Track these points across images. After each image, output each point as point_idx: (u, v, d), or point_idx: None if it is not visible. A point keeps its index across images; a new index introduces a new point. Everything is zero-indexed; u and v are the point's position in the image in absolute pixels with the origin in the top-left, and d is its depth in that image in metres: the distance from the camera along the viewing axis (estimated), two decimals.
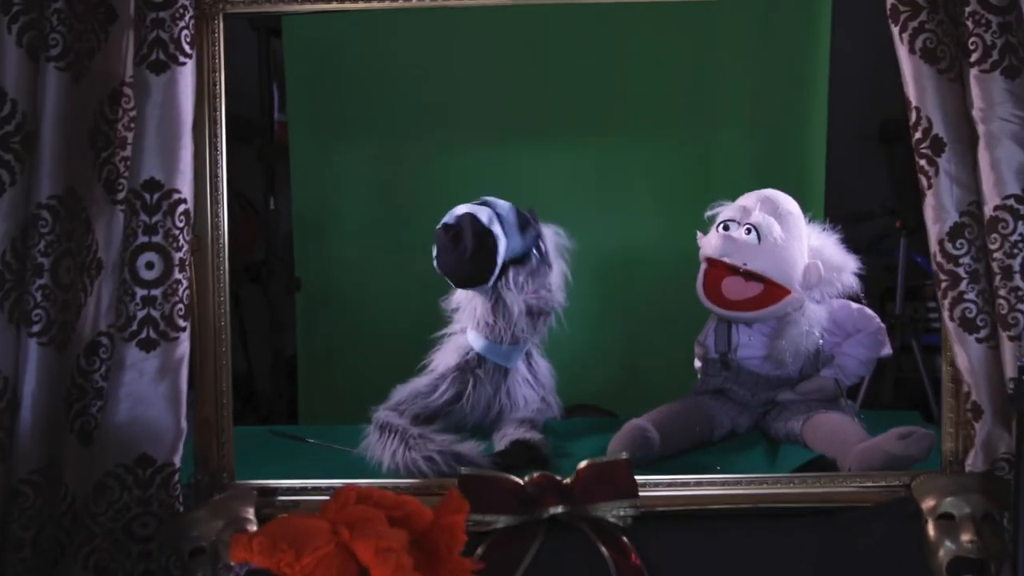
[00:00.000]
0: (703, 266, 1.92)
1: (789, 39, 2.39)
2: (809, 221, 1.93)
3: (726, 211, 1.90)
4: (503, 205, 1.90)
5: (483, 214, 1.87)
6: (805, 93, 2.40)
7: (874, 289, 2.98)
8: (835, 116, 2.43)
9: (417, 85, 2.48)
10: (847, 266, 1.90)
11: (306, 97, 2.49)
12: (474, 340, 1.92)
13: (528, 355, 1.98)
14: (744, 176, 2.35)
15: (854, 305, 1.90)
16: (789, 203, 1.90)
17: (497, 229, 1.87)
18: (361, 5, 1.60)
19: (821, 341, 1.86)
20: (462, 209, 1.87)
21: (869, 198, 2.81)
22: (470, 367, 1.92)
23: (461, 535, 1.39)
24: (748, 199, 1.90)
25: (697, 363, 1.99)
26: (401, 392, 1.89)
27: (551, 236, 1.95)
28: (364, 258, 2.54)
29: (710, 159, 2.50)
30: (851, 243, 2.01)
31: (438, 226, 1.89)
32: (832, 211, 2.38)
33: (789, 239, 1.85)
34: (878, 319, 1.90)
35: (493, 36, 2.35)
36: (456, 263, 1.87)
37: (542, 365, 2.00)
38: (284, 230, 2.75)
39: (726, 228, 1.88)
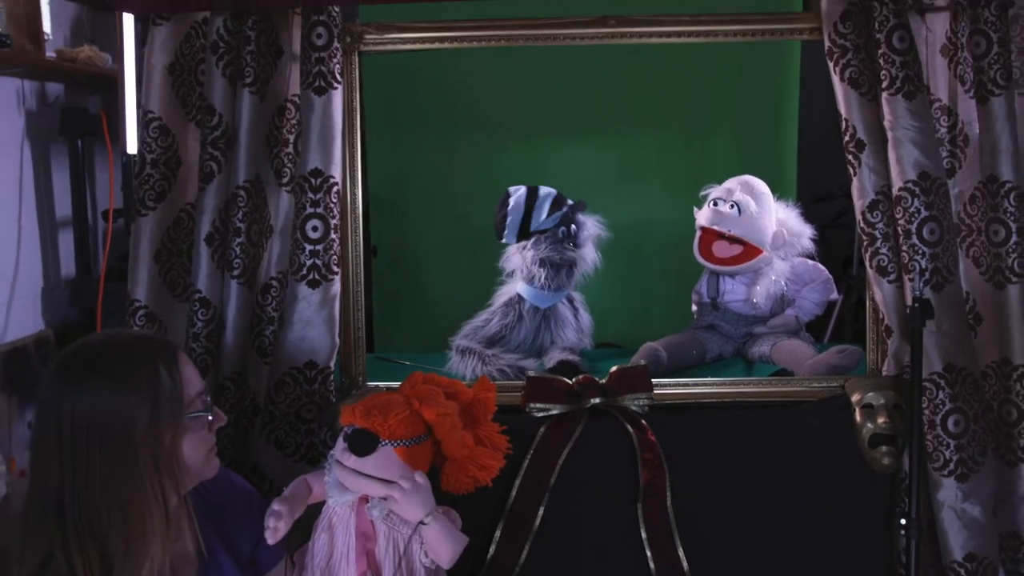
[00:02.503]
0: (698, 233, 2.53)
1: (770, 62, 3.00)
2: (777, 199, 2.55)
3: (715, 191, 2.52)
4: (546, 190, 2.48)
5: (512, 189, 2.49)
6: (782, 102, 3.01)
7: (836, 256, 3.60)
8: (804, 120, 3.03)
9: (471, 90, 3.08)
10: (805, 233, 2.52)
11: (381, 99, 3.10)
12: (519, 287, 2.54)
13: (575, 309, 2.58)
14: (733, 167, 2.95)
15: (809, 262, 2.53)
16: (762, 185, 2.51)
17: (515, 200, 2.47)
18: (456, 45, 2.21)
19: (785, 288, 2.50)
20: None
21: (831, 183, 3.40)
22: (512, 304, 2.53)
23: (492, 406, 1.83)
24: (731, 182, 2.51)
25: (693, 307, 2.62)
26: (467, 326, 2.52)
27: (592, 224, 2.53)
28: (426, 229, 3.16)
29: (707, 153, 3.09)
30: (817, 219, 2.60)
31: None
32: (802, 193, 3.01)
33: (762, 212, 2.47)
34: (827, 272, 2.53)
35: (535, 53, 2.95)
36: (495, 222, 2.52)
37: (585, 318, 2.59)
38: (363, 206, 3.35)
39: (715, 204, 2.50)
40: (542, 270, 2.47)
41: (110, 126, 2.82)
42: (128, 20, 2.45)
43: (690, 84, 3.01)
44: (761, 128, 3.11)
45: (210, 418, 1.58)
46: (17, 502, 2.67)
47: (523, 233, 2.47)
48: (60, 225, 3.00)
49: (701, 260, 2.51)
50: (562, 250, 2.47)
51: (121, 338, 1.59)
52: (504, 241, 2.51)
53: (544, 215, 2.47)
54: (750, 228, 2.45)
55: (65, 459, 1.46)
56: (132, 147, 2.51)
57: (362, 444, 1.73)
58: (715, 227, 2.47)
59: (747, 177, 2.52)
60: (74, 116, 2.92)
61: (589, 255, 2.50)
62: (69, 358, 1.52)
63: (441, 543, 1.72)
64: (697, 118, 3.02)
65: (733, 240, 2.47)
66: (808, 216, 2.60)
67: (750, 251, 2.47)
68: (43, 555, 1.46)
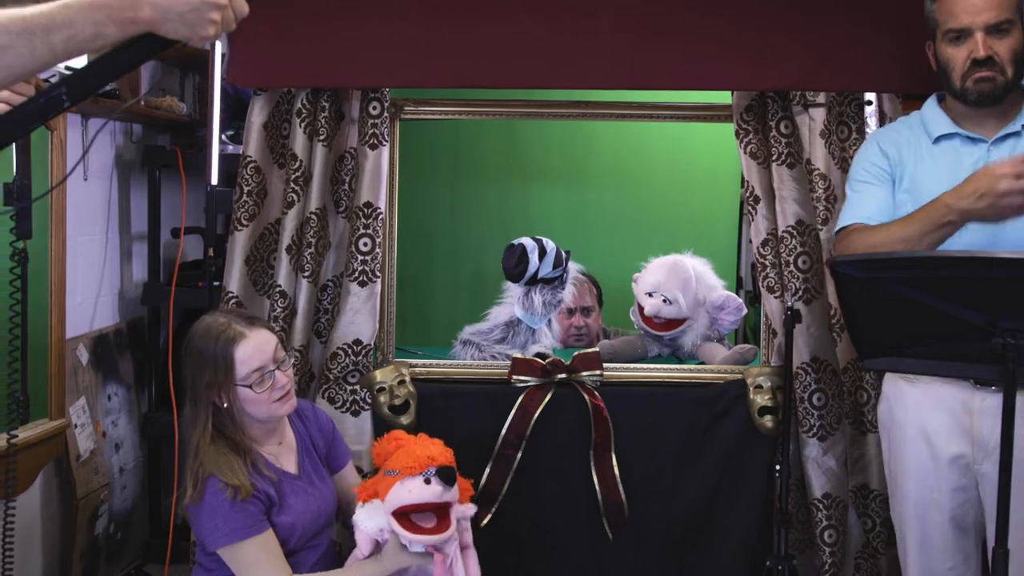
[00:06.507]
0: (636, 305, 3.61)
1: (721, 134, 4.19)
2: (691, 255, 3.63)
3: (649, 283, 3.53)
4: (551, 246, 3.58)
5: (529, 246, 3.64)
6: (729, 165, 4.22)
7: None
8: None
9: (478, 145, 4.28)
10: (717, 286, 3.60)
11: (406, 148, 4.30)
12: (518, 311, 3.69)
13: (549, 323, 3.74)
14: (689, 216, 4.16)
15: (725, 294, 3.70)
16: (687, 269, 3.53)
17: (533, 258, 3.60)
18: (471, 117, 3.42)
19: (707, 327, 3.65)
20: (524, 239, 3.62)
21: None
22: (512, 324, 3.68)
23: None
24: (661, 273, 3.52)
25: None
26: (474, 327, 3.66)
27: (573, 268, 3.60)
28: (425, 257, 4.34)
29: (670, 204, 4.31)
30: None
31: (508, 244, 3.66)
32: (743, 235, 4.24)
33: (687, 295, 3.50)
34: (738, 299, 3.69)
35: (524, 123, 4.17)
36: (507, 265, 3.64)
37: (556, 327, 3.76)
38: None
39: (650, 295, 3.61)
40: (540, 306, 3.60)
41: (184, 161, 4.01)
42: (216, 87, 3.64)
43: (655, 151, 4.23)
44: (712, 186, 4.34)
45: (259, 391, 2.57)
46: (100, 457, 3.84)
47: (531, 279, 3.56)
48: (135, 239, 4.17)
49: (639, 325, 3.63)
50: (556, 293, 3.62)
51: (207, 324, 2.66)
52: (518, 285, 3.57)
53: (550, 268, 3.57)
54: (678, 311, 3.53)
55: (186, 383, 2.62)
56: (215, 179, 3.68)
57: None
58: (652, 317, 3.54)
59: (674, 262, 3.56)
60: (154, 152, 4.11)
61: (569, 291, 3.63)
62: (190, 330, 2.65)
63: None
64: (659, 177, 4.24)
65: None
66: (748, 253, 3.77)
67: (677, 322, 3.56)
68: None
